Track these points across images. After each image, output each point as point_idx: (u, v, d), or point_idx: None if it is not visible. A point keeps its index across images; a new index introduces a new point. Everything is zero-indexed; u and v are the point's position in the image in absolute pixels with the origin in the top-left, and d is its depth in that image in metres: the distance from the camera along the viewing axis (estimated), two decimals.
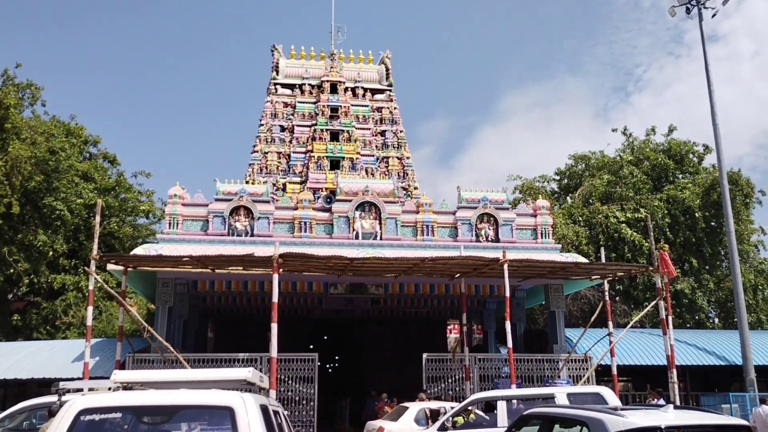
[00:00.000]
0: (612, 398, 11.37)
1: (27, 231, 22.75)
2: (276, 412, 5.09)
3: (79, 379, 16.15)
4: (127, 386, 4.68)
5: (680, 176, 29.76)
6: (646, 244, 25.64)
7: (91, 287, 14.65)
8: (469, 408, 11.83)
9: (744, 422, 5.28)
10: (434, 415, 13.45)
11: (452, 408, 13.37)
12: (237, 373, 4.70)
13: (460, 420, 11.38)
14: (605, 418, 5.54)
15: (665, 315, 16.86)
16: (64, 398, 4.26)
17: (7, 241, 22.57)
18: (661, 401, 14.35)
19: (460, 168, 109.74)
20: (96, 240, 14.36)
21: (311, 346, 23.85)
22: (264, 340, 22.19)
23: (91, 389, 10.26)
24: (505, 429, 10.73)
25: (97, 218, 14.78)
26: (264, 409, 4.42)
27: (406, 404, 13.97)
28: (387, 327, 26.89)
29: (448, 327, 31.06)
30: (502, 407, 11.26)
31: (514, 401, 11.92)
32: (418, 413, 13.03)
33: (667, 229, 26.54)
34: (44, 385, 24.37)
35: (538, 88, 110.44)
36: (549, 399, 11.35)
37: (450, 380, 18.02)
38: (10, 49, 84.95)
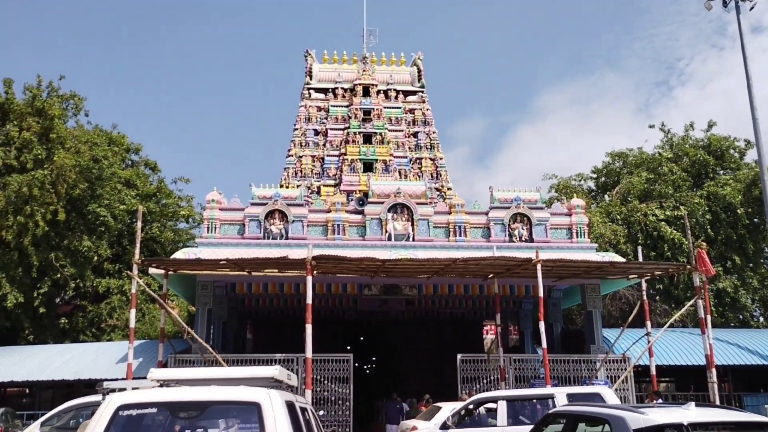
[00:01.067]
0: (612, 398, 11.36)
1: (73, 237, 23.63)
2: (303, 409, 5.28)
3: (122, 379, 16.77)
4: (163, 383, 4.95)
5: (721, 172, 29.04)
6: (686, 242, 25.14)
7: (134, 290, 15.16)
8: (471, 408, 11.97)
9: (765, 419, 5.23)
10: (468, 414, 13.52)
11: (485, 409, 13.45)
12: (264, 371, 4.92)
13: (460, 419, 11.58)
14: (626, 415, 5.58)
15: (704, 314, 16.53)
16: (108, 397, 4.52)
17: (54, 247, 23.47)
18: (660, 401, 14.21)
19: (495, 167, 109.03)
20: (138, 245, 14.87)
21: (348, 347, 24.10)
22: (300, 341, 22.59)
23: (134, 388, 10.73)
24: (504, 426, 10.97)
25: (139, 224, 15.31)
26: (290, 406, 4.63)
27: (439, 404, 14.07)
28: (422, 328, 26.98)
29: (484, 328, 30.96)
30: (502, 407, 11.39)
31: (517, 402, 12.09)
32: (451, 413, 13.08)
33: (708, 227, 25.95)
34: (91, 386, 25.24)
35: (575, 84, 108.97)
36: (548, 399, 11.45)
37: (485, 381, 18.02)
38: (52, 59, 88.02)
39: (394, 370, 28.03)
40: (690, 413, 5.38)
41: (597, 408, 6.14)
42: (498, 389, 17.28)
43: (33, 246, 22.31)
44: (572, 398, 11.10)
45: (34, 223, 22.02)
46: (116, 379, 16.07)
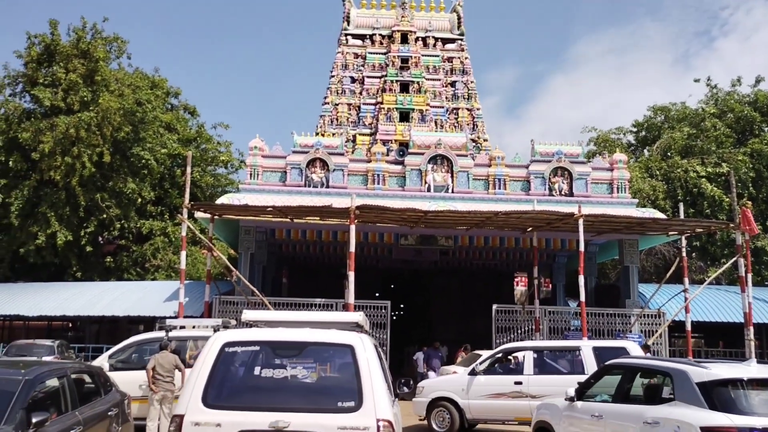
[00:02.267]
0: (636, 352, 11.55)
1: (117, 179, 24.23)
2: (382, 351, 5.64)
3: (174, 317, 17.48)
4: (251, 324, 5.29)
5: (767, 129, 28.32)
6: (727, 199, 24.80)
7: (183, 234, 15.65)
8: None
9: None
10: (497, 363, 13.92)
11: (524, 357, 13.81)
12: (350, 316, 5.26)
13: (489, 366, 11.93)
14: (689, 369, 5.77)
15: (744, 272, 16.51)
16: (214, 335, 4.87)
17: (99, 188, 24.12)
18: None
19: (527, 118, 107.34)
20: (187, 190, 15.26)
21: (377, 294, 24.63)
22: (333, 287, 23.19)
23: (194, 327, 11.25)
24: (529, 375, 11.28)
25: (188, 169, 15.66)
26: (376, 348, 4.97)
27: (479, 352, 14.47)
28: (454, 278, 27.34)
29: (516, 279, 31.21)
30: (528, 357, 11.75)
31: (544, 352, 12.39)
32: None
33: (751, 185, 25.52)
34: (133, 323, 26.39)
35: (613, 33, 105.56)
36: (574, 351, 11.71)
37: (519, 331, 18.39)
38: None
39: (425, 318, 28.62)
40: (751, 369, 5.56)
41: (657, 361, 6.34)
42: (533, 339, 17.66)
43: (80, 186, 22.96)
44: (598, 351, 11.39)
45: (81, 164, 22.59)
46: (168, 317, 16.80)
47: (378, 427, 4.36)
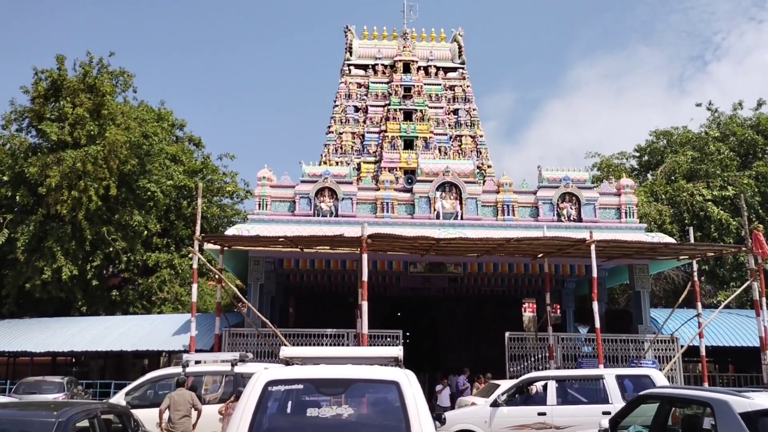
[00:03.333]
0: (661, 380, 11.40)
1: (123, 212, 24.18)
2: None
3: (184, 351, 17.29)
4: (289, 361, 5.20)
5: None
6: (734, 222, 24.81)
7: (194, 266, 15.56)
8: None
9: None
10: (518, 393, 13.73)
11: (542, 386, 13.64)
12: (390, 351, 5.16)
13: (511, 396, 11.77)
14: (731, 399, 5.64)
15: (758, 296, 16.42)
16: (257, 374, 4.77)
17: (105, 221, 24.06)
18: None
19: (525, 143, 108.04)
20: (198, 222, 15.22)
21: (385, 323, 24.45)
22: (340, 316, 23.05)
23: (214, 361, 11.10)
24: (553, 405, 11.13)
25: (199, 201, 15.66)
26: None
27: (497, 381, 14.30)
28: (462, 305, 27.19)
29: (523, 305, 31.09)
30: (551, 386, 11.58)
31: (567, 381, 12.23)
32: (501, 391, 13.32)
33: (759, 207, 25.57)
34: (138, 357, 26.13)
35: (608, 58, 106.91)
36: (597, 380, 11.55)
37: (532, 359, 18.20)
38: (96, 33, 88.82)
39: (434, 346, 28.37)
40: None
41: (697, 391, 6.23)
42: (547, 367, 17.47)
43: (86, 220, 22.89)
44: (621, 380, 11.28)
45: (87, 197, 22.56)
46: (178, 351, 16.56)
47: None
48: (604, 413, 7.36)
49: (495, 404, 11.49)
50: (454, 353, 26.18)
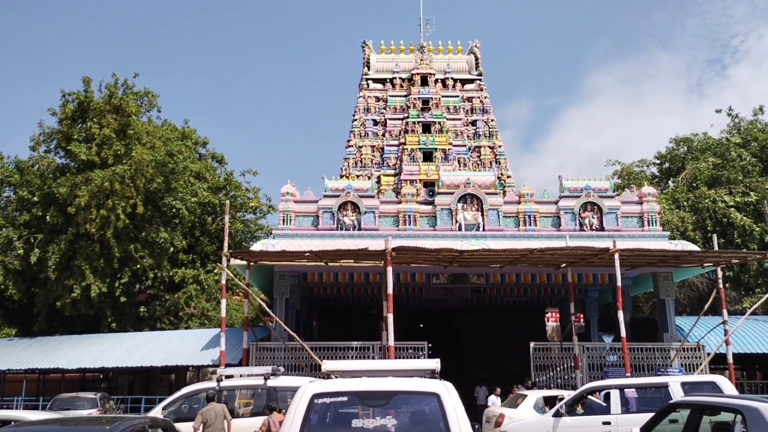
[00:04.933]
0: (728, 387, 11.15)
1: (150, 229, 24.67)
2: None
3: (214, 366, 17.59)
4: (327, 375, 5.42)
5: None
6: (757, 228, 24.64)
7: (223, 282, 15.87)
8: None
9: None
10: (552, 402, 13.77)
11: (569, 395, 13.66)
12: (427, 364, 5.36)
13: (574, 407, 11.59)
14: (761, 406, 5.75)
15: None
16: (302, 387, 4.98)
17: (133, 239, 24.56)
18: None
19: (543, 151, 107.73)
20: (226, 238, 15.54)
21: (407, 335, 24.54)
22: (362, 328, 23.23)
23: (249, 375, 11.34)
24: (617, 414, 11.00)
25: (226, 218, 15.98)
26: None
27: (524, 392, 14.35)
28: (484, 316, 27.19)
29: (546, 315, 31.01)
30: (615, 396, 11.35)
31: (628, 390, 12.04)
32: (536, 401, 13.39)
33: None
34: (166, 372, 26.49)
35: (625, 64, 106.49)
36: (662, 388, 11.32)
37: (558, 369, 18.21)
38: (121, 53, 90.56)
39: (457, 358, 28.37)
40: None
41: (726, 399, 6.32)
42: (573, 378, 17.49)
43: (114, 238, 23.38)
44: (687, 387, 10.95)
45: (115, 216, 23.06)
46: (207, 366, 16.78)
47: None
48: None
49: (557, 414, 11.22)
50: (477, 365, 26.15)
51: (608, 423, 10.88)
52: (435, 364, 5.33)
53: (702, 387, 10.81)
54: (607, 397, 11.62)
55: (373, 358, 17.48)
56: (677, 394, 10.87)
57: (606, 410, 11.25)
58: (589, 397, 11.67)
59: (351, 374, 5.31)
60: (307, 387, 4.92)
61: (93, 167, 23.77)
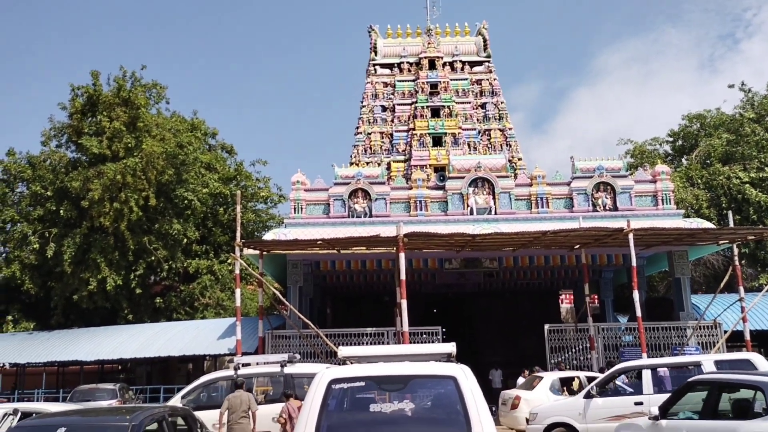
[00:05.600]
0: (764, 365, 10.88)
1: (163, 221, 24.82)
2: None
3: (231, 354, 17.75)
4: (344, 360, 5.43)
5: None
6: None
7: (237, 271, 15.95)
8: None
9: None
10: (567, 384, 13.78)
11: (586, 378, 13.65)
12: (443, 348, 5.36)
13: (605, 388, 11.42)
14: None
15: None
16: (319, 373, 5.01)
17: (146, 231, 24.72)
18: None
19: (553, 133, 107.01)
20: (239, 228, 15.60)
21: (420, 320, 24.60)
22: (375, 315, 23.28)
23: (266, 363, 11.43)
24: (650, 395, 10.88)
25: (238, 208, 16.04)
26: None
27: (540, 374, 14.35)
28: (498, 299, 27.17)
29: (560, 297, 30.94)
30: (647, 376, 11.23)
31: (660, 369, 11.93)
32: (552, 383, 13.39)
33: None
34: (183, 361, 26.75)
35: (635, 42, 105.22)
36: (695, 367, 11.16)
37: (573, 350, 18.19)
38: (127, 44, 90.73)
39: (471, 342, 28.41)
40: None
41: (746, 375, 6.29)
42: (588, 359, 17.47)
43: (128, 231, 23.55)
44: (720, 365, 10.79)
45: (128, 208, 23.21)
46: (223, 354, 16.86)
47: None
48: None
49: (589, 395, 11.14)
50: (491, 348, 26.20)
51: (640, 403, 10.71)
52: (451, 347, 5.32)
53: (737, 365, 10.56)
54: (639, 377, 11.48)
55: (388, 344, 17.53)
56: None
57: (638, 390, 11.16)
58: (617, 381, 11.53)
59: (367, 359, 5.32)
60: (324, 373, 4.94)
61: (104, 160, 23.89)
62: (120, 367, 28.84)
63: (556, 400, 13.01)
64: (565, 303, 32.81)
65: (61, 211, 24.10)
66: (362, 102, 27.70)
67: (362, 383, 4.91)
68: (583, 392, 11.36)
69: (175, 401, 10.97)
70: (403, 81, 28.20)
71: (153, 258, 24.38)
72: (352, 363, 5.46)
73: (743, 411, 6.24)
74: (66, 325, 25.51)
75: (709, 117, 29.57)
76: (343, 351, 5.41)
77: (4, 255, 26.37)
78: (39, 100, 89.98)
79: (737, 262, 18.00)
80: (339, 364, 5.53)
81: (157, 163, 23.58)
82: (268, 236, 18.70)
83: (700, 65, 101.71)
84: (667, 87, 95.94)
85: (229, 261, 25.52)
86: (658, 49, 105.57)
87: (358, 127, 27.16)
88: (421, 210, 20.02)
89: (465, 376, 4.79)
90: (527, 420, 11.84)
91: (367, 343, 17.61)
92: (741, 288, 17.65)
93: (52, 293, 25.11)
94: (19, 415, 8.83)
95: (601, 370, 15.30)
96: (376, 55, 29.86)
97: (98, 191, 22.76)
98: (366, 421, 4.79)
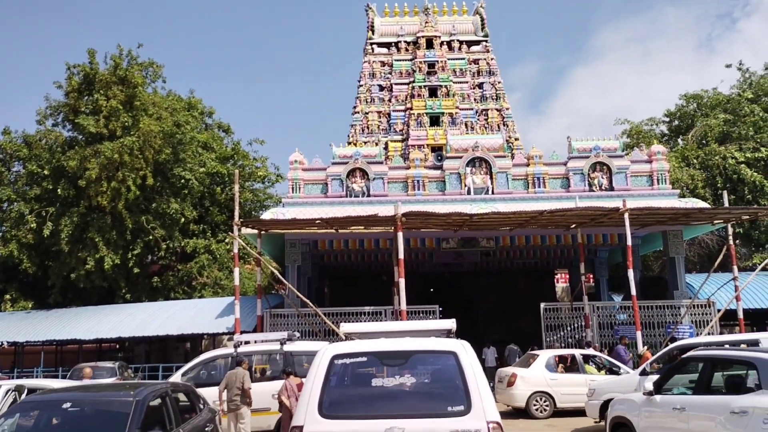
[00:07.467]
0: None
1: (160, 200, 24.81)
2: None
3: (229, 333, 17.89)
4: (348, 337, 5.53)
5: None
6: None
7: (235, 251, 16.02)
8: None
9: None
10: (563, 361, 13.98)
11: (581, 355, 13.84)
12: (444, 324, 5.46)
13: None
14: None
15: None
16: (322, 348, 5.10)
17: (143, 210, 24.72)
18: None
19: (551, 113, 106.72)
20: (237, 208, 15.62)
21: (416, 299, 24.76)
22: (373, 294, 23.41)
23: (265, 341, 11.56)
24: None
25: (236, 188, 16.05)
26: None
27: (536, 351, 14.55)
28: (495, 279, 27.36)
29: (556, 276, 31.15)
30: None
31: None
32: (548, 360, 13.58)
33: None
34: (181, 340, 26.91)
35: (633, 21, 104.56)
36: (753, 344, 10.51)
37: (569, 328, 18.41)
38: (120, 20, 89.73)
39: (469, 321, 28.63)
40: None
41: (740, 352, 6.41)
42: (584, 337, 17.67)
43: (126, 210, 23.54)
44: None
45: (126, 188, 23.18)
46: (222, 333, 16.98)
47: (488, 428, 4.56)
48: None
49: (644, 373, 10.96)
50: (489, 327, 26.44)
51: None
52: (451, 324, 5.43)
53: None
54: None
55: (385, 321, 17.69)
56: None
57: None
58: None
59: (369, 335, 5.41)
60: (327, 348, 5.04)
61: (101, 139, 23.80)
62: (118, 346, 29.00)
63: (552, 378, 13.23)
64: (561, 282, 33.05)
65: (59, 190, 24.05)
66: (360, 81, 27.59)
67: (364, 359, 5.01)
68: (639, 369, 11.31)
69: (176, 379, 11.10)
70: (400, 60, 28.08)
71: (150, 237, 24.41)
72: (354, 339, 5.55)
73: (736, 386, 6.38)
74: (64, 304, 25.60)
75: (706, 97, 29.54)
76: (345, 327, 5.50)
77: (1, 234, 26.34)
78: (34, 78, 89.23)
79: (732, 242, 18.16)
80: (345, 339, 5.62)
81: (154, 142, 23.50)
82: (266, 215, 18.75)
83: (698, 44, 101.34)
84: (666, 66, 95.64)
85: (227, 240, 25.58)
86: (657, 29, 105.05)
87: (355, 107, 27.10)
88: (418, 189, 20.08)
89: (465, 351, 4.90)
90: (587, 396, 11.78)
91: (365, 321, 17.77)
92: (735, 267, 17.85)
93: (49, 272, 25.15)
94: (25, 391, 8.94)
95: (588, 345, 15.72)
96: (373, 34, 29.69)
97: (95, 170, 22.70)
98: (368, 396, 4.89)
